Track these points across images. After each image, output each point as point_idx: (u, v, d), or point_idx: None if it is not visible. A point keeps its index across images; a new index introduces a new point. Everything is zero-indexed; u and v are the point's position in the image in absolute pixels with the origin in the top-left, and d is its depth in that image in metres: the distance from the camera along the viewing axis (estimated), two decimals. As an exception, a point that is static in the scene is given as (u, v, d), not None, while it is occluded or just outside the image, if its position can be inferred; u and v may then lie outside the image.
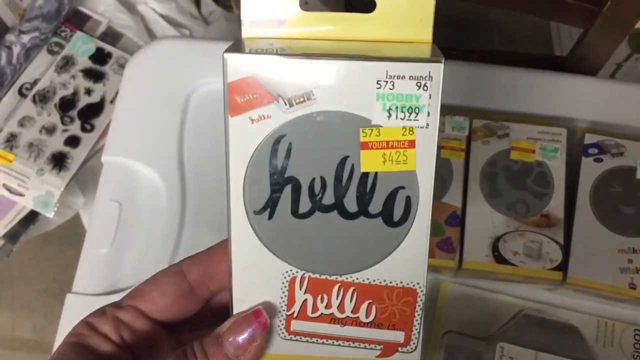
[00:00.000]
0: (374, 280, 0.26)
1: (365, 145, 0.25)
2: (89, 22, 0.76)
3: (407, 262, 0.26)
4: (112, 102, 0.73)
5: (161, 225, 0.50)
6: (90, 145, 0.71)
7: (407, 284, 0.26)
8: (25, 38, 0.71)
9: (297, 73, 0.24)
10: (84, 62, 0.74)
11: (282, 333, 0.27)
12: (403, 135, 0.24)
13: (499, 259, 0.44)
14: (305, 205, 0.25)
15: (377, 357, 0.27)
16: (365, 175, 0.25)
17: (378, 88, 0.24)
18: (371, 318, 0.27)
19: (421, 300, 0.27)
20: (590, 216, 0.45)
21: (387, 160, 0.25)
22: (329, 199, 0.25)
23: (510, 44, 1.08)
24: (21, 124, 0.70)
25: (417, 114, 0.24)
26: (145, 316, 0.28)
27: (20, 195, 0.68)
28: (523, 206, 0.46)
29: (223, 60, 0.24)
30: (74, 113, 0.72)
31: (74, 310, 0.48)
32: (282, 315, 0.27)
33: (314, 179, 0.25)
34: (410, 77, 0.24)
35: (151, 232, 0.51)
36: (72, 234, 0.84)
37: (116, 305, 0.28)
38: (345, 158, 0.25)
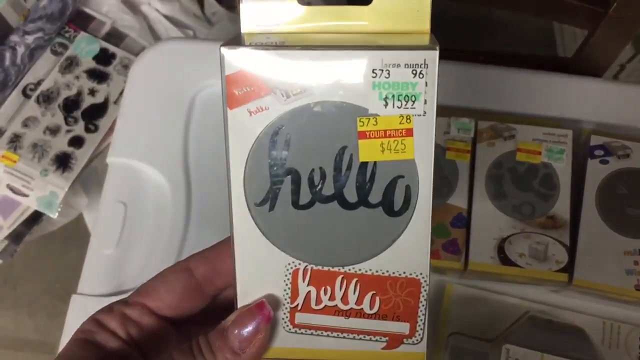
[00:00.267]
0: (376, 271, 0.26)
1: (363, 135, 0.25)
2: (93, 22, 0.76)
3: (410, 252, 0.26)
4: (115, 102, 0.73)
5: (166, 227, 0.50)
6: (94, 145, 0.71)
7: (410, 274, 0.26)
8: (29, 39, 0.71)
9: (293, 64, 0.24)
10: (87, 62, 0.74)
11: (287, 326, 0.27)
12: (400, 123, 0.24)
13: (505, 260, 0.44)
14: (305, 196, 0.25)
15: (382, 349, 0.27)
16: (364, 164, 0.25)
17: (374, 77, 0.24)
18: (375, 309, 0.26)
19: (425, 290, 0.26)
20: (596, 218, 0.45)
21: (385, 149, 0.25)
22: (328, 189, 0.25)
23: (514, 45, 1.08)
24: (25, 124, 0.70)
25: (413, 102, 0.24)
26: (152, 313, 0.28)
27: (24, 195, 0.68)
28: (529, 208, 0.46)
29: (220, 54, 0.24)
30: (77, 114, 0.72)
31: (79, 312, 0.48)
32: (286, 308, 0.27)
33: (313, 170, 0.25)
34: (405, 65, 0.24)
35: (156, 233, 0.51)
36: (75, 235, 0.84)
37: (123, 302, 0.28)
38: (343, 148, 0.25)
